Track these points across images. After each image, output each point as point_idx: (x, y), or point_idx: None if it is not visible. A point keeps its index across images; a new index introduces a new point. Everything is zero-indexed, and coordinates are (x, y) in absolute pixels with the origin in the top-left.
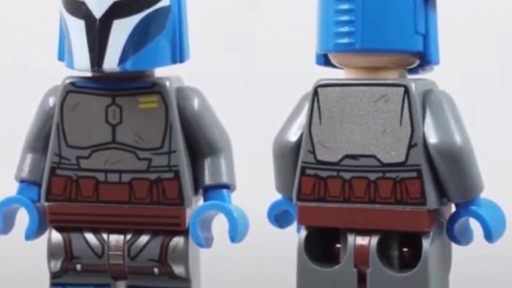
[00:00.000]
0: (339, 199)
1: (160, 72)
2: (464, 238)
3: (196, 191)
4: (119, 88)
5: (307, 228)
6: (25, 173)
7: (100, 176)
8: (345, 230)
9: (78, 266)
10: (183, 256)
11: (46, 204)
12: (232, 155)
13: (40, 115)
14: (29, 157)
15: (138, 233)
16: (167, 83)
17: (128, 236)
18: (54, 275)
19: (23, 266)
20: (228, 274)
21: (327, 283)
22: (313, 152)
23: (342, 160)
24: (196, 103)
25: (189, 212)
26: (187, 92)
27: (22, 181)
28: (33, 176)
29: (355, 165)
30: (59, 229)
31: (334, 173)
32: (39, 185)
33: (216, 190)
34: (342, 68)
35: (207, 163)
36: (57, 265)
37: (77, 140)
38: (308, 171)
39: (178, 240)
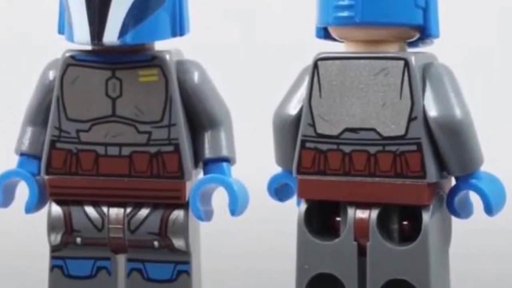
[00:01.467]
0: (339, 172)
1: (160, 45)
2: (464, 211)
3: (196, 165)
4: (119, 61)
5: (307, 201)
6: (25, 147)
7: (100, 150)
8: (345, 203)
9: (78, 240)
10: (183, 230)
11: (46, 177)
12: (232, 129)
13: (40, 88)
14: (29, 130)
15: (138, 206)
16: (167, 57)
17: (128, 210)
18: (54, 249)
19: (23, 239)
20: (228, 247)
21: (327, 256)
22: (313, 125)
23: (342, 134)
24: (196, 76)
25: (189, 186)
26: (187, 66)
27: (22, 155)
28: (33, 149)
29: (355, 138)
30: (59, 203)
31: (334, 147)
32: (39, 158)
33: (216, 164)
34: (342, 42)
35: (207, 137)
36: (57, 238)
37: (77, 113)
38: (308, 145)
39: (178, 214)
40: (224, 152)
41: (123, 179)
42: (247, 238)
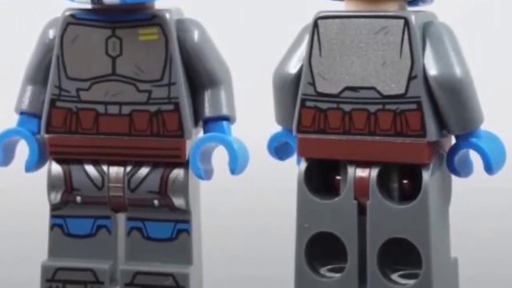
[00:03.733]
0: (339, 131)
1: (160, 4)
2: (464, 170)
3: (196, 123)
4: (119, 20)
5: (307, 160)
6: (25, 105)
7: (100, 108)
8: (345, 162)
9: (78, 198)
10: (183, 188)
11: (46, 136)
12: (232, 87)
13: (40, 47)
14: (29, 89)
15: (138, 165)
16: (167, 15)
17: (128, 168)
18: (54, 207)
19: (23, 198)
20: (228, 206)
21: (327, 215)
22: (313, 84)
23: (342, 92)
24: (196, 35)
25: (189, 144)
26: (187, 24)
27: (22, 113)
28: (33, 108)
29: (355, 97)
30: (59, 161)
31: (334, 105)
32: (39, 117)
33: (216, 122)
34: (342, 0)
35: (207, 95)
36: (57, 197)
37: (77, 72)
38: (308, 103)
39: (178, 172)
40: (224, 111)
41: (123, 137)
42: (247, 197)
